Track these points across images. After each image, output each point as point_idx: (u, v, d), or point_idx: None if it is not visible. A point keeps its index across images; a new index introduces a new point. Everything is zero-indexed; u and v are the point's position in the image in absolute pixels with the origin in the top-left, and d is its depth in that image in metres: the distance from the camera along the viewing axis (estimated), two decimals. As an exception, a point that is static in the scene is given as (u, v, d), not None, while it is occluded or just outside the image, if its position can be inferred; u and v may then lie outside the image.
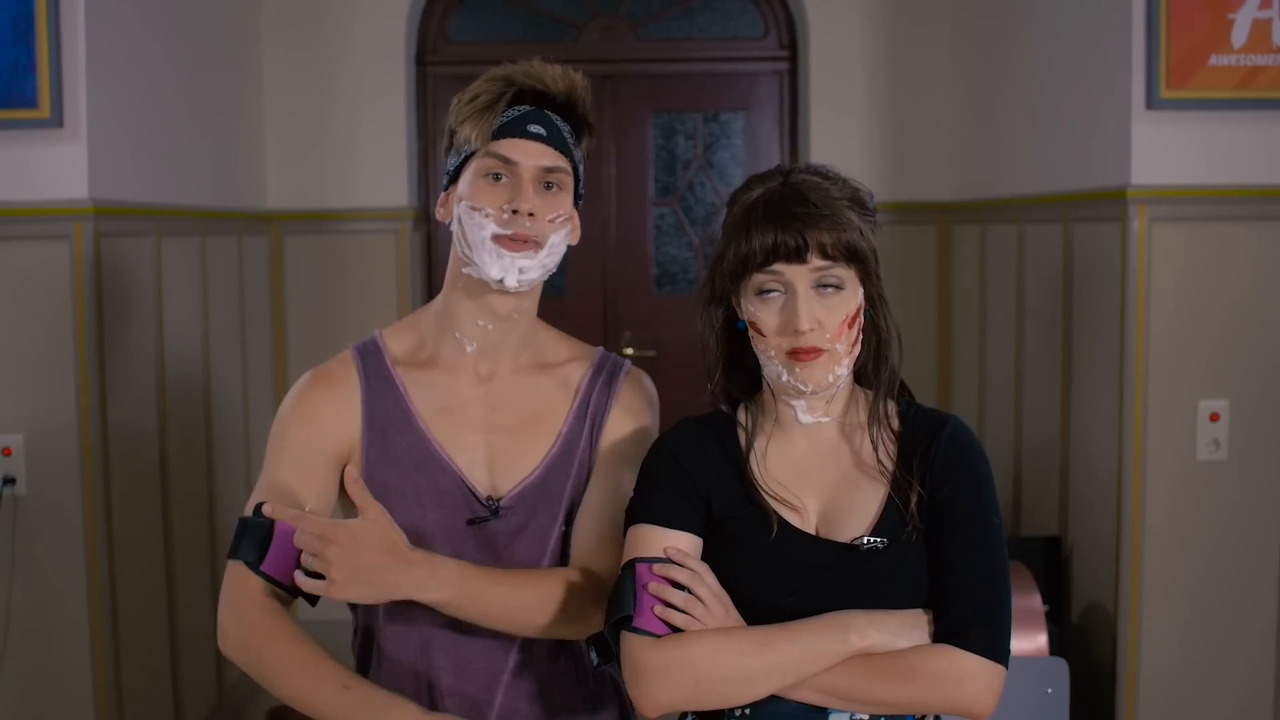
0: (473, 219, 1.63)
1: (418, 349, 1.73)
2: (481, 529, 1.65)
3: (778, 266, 1.52)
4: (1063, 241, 3.55)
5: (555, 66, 1.68)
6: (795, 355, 1.52)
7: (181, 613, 3.54)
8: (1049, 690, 2.26)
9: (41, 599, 3.02)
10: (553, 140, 1.65)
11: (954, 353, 4.63)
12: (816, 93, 4.64)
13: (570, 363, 1.76)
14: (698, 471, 1.57)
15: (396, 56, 4.57)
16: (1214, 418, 3.17)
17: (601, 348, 1.81)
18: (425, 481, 1.66)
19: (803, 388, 1.53)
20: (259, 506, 1.62)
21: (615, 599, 1.51)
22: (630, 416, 1.74)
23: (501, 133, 1.63)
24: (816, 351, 1.51)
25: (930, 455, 1.55)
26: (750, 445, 1.59)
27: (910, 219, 4.66)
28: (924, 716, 1.54)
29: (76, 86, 2.94)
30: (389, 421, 1.67)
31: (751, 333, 1.56)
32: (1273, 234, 3.17)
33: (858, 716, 1.50)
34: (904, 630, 1.48)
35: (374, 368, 1.71)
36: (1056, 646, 3.14)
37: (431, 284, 4.85)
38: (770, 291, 1.53)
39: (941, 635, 1.48)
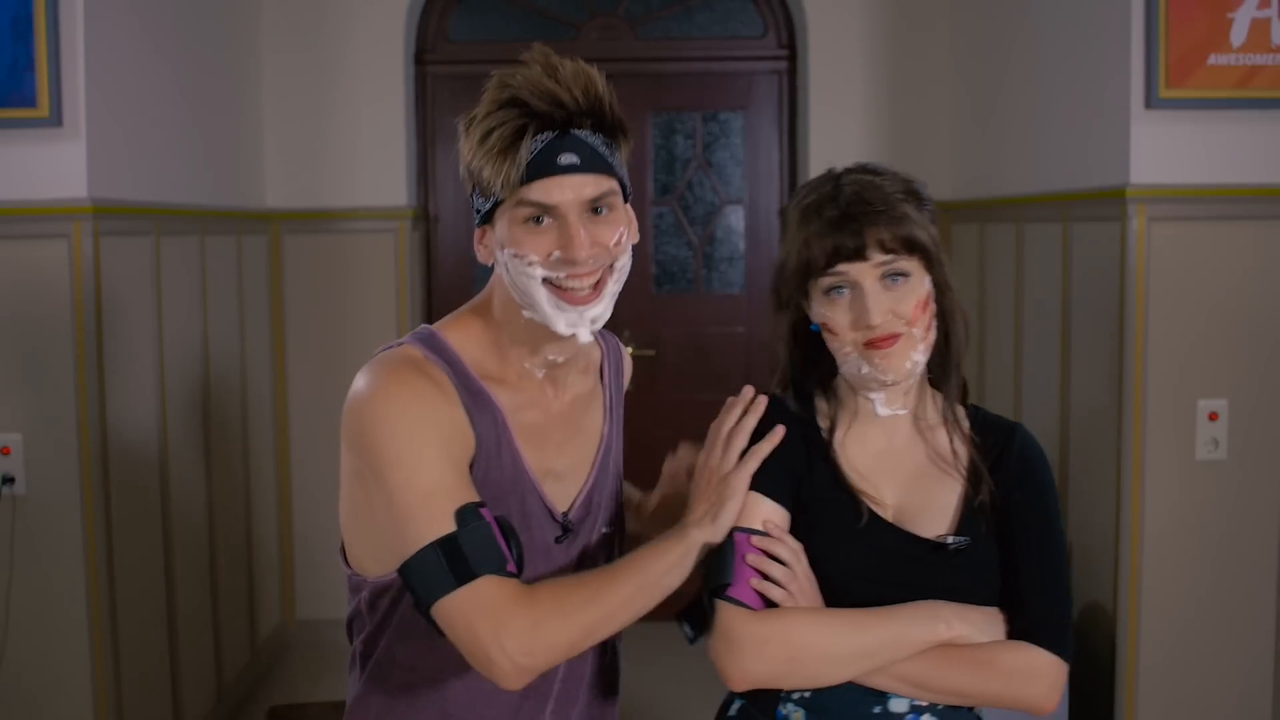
0: (519, 267, 1.46)
1: (482, 360, 1.54)
2: (558, 547, 1.59)
3: (841, 267, 1.53)
4: (1062, 241, 3.55)
5: (565, 66, 1.46)
6: (873, 345, 1.54)
7: (181, 612, 3.54)
8: (1048, 689, 2.26)
9: (40, 598, 3.02)
10: (588, 165, 1.45)
11: (953, 352, 4.62)
12: (816, 92, 4.64)
13: (591, 348, 1.70)
14: (788, 449, 1.59)
15: (395, 56, 4.57)
16: (1213, 417, 3.17)
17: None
18: (517, 505, 1.53)
19: (883, 378, 1.55)
20: (470, 508, 1.39)
21: (714, 566, 1.52)
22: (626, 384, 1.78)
23: (530, 174, 1.43)
24: (894, 337, 1.53)
25: (1004, 460, 1.60)
26: (833, 432, 1.61)
27: (909, 218, 4.65)
28: (975, 709, 1.60)
29: (75, 86, 2.94)
30: (492, 440, 1.50)
31: (825, 334, 1.58)
32: (1272, 233, 3.17)
33: (916, 703, 1.54)
34: (986, 625, 1.53)
35: (462, 378, 1.51)
36: (1055, 646, 3.14)
37: (431, 284, 4.85)
38: (838, 290, 1.54)
39: (1018, 633, 1.53)
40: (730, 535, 1.52)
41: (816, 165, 4.65)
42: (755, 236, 4.91)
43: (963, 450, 1.61)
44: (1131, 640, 3.20)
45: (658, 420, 4.73)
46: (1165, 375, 3.17)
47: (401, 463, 1.39)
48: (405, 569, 1.39)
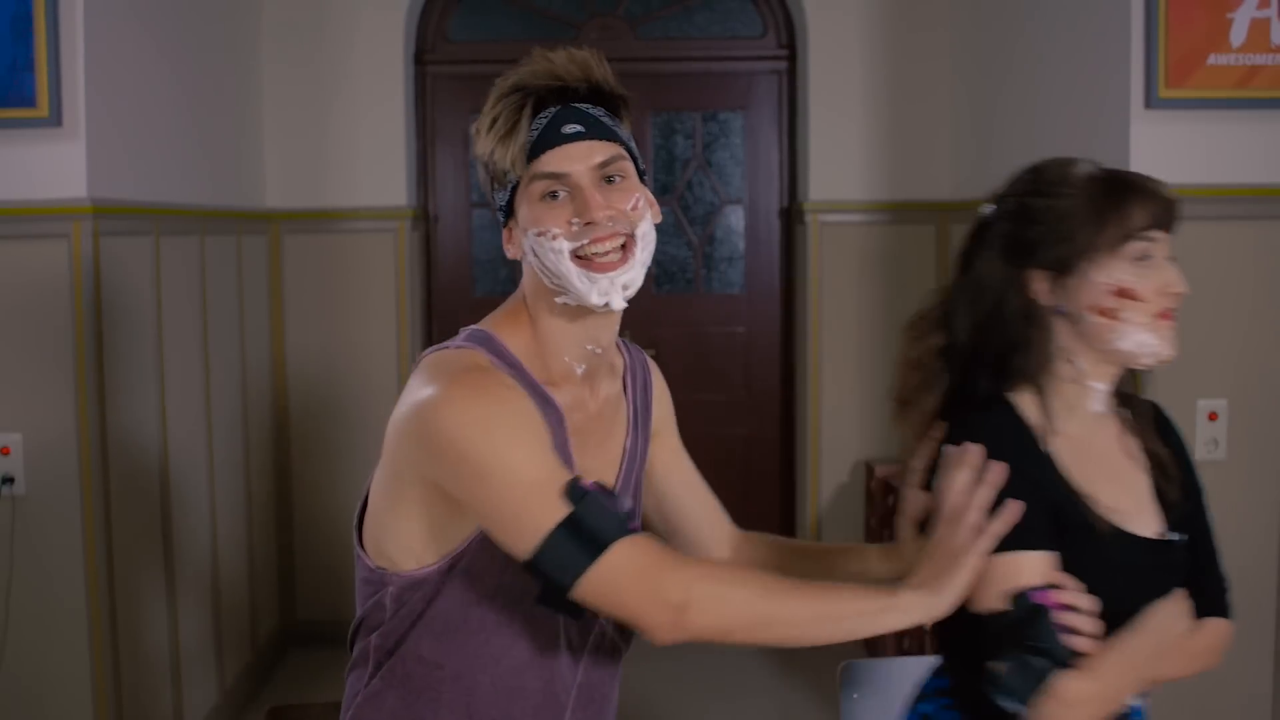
0: (544, 245, 1.48)
1: (533, 361, 1.56)
2: None
3: (1154, 233, 1.59)
4: (1062, 241, 3.55)
5: (559, 53, 1.52)
6: (1163, 316, 1.59)
7: (181, 612, 3.54)
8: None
9: (40, 598, 3.02)
10: (594, 132, 1.49)
11: (953, 352, 4.62)
12: (816, 92, 4.64)
13: (615, 357, 1.71)
14: (1033, 475, 1.55)
15: (395, 56, 4.57)
16: (1213, 417, 3.17)
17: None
18: None
19: (1164, 353, 1.61)
20: (575, 484, 1.39)
21: (1030, 635, 1.49)
22: (668, 398, 1.83)
23: (538, 148, 1.48)
24: (1172, 315, 1.61)
25: (1165, 440, 1.65)
26: (1047, 434, 1.59)
27: (909, 218, 4.66)
28: None
29: (75, 85, 2.94)
30: (558, 446, 1.50)
31: (1116, 302, 1.58)
32: (1272, 234, 3.17)
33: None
34: (1184, 612, 1.57)
35: (525, 379, 1.52)
36: (1055, 646, 3.14)
37: (431, 284, 4.85)
38: (1147, 256, 1.60)
39: (1207, 609, 1.60)
40: (1030, 598, 1.49)
41: (816, 165, 4.65)
42: (755, 236, 4.91)
43: (1136, 438, 1.63)
44: (1131, 640, 3.20)
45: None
46: (1165, 375, 3.16)
47: (501, 462, 1.39)
48: (536, 561, 1.38)
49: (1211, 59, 3.09)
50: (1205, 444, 3.18)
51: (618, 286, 1.49)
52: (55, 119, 2.91)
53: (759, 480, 4.92)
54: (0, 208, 2.96)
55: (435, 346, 1.56)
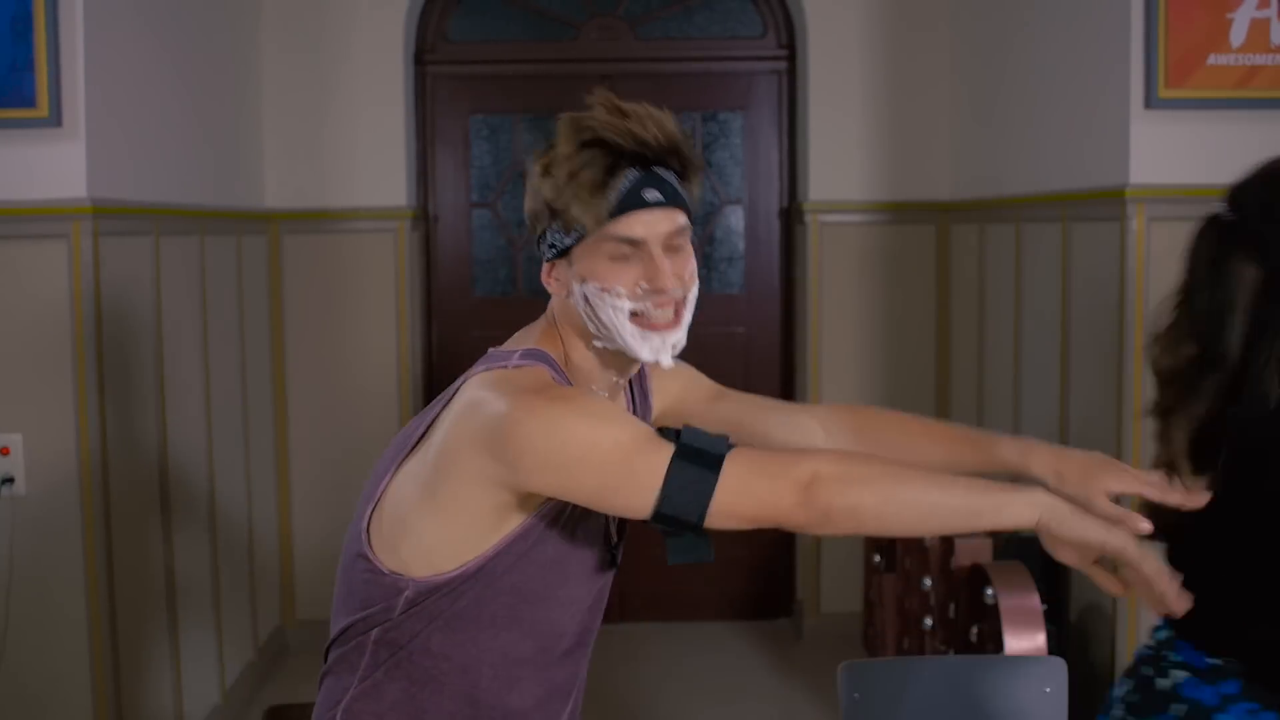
0: (605, 300, 1.55)
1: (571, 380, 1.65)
2: (602, 574, 1.68)
3: None
4: (1061, 241, 3.55)
5: (639, 111, 1.55)
6: None
7: (181, 612, 3.54)
8: (1047, 689, 2.26)
9: (40, 598, 3.02)
10: (670, 200, 1.56)
11: (953, 351, 4.63)
12: (815, 92, 4.64)
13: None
14: None
15: (395, 56, 4.57)
16: (1213, 417, 3.17)
17: None
18: (596, 521, 1.63)
19: None
20: (667, 430, 1.46)
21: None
22: (676, 378, 1.83)
23: (619, 210, 1.53)
24: None
25: None
26: None
27: (909, 218, 4.66)
28: None
29: (75, 86, 2.94)
30: None
31: None
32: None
33: None
34: None
35: None
36: (1055, 646, 3.14)
37: (431, 284, 4.85)
38: None
39: None
40: None
41: (816, 165, 4.65)
42: (755, 236, 4.91)
43: None
44: (1131, 640, 3.20)
45: (657, 420, 4.73)
46: (1165, 375, 3.17)
47: (594, 439, 1.45)
48: (661, 506, 1.43)
49: (1211, 59, 3.09)
50: (1205, 444, 3.18)
51: (668, 345, 1.57)
52: (55, 119, 2.91)
53: (759, 480, 4.91)
54: (0, 208, 2.96)
55: (487, 364, 1.60)
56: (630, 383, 1.77)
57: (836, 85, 4.63)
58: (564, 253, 1.58)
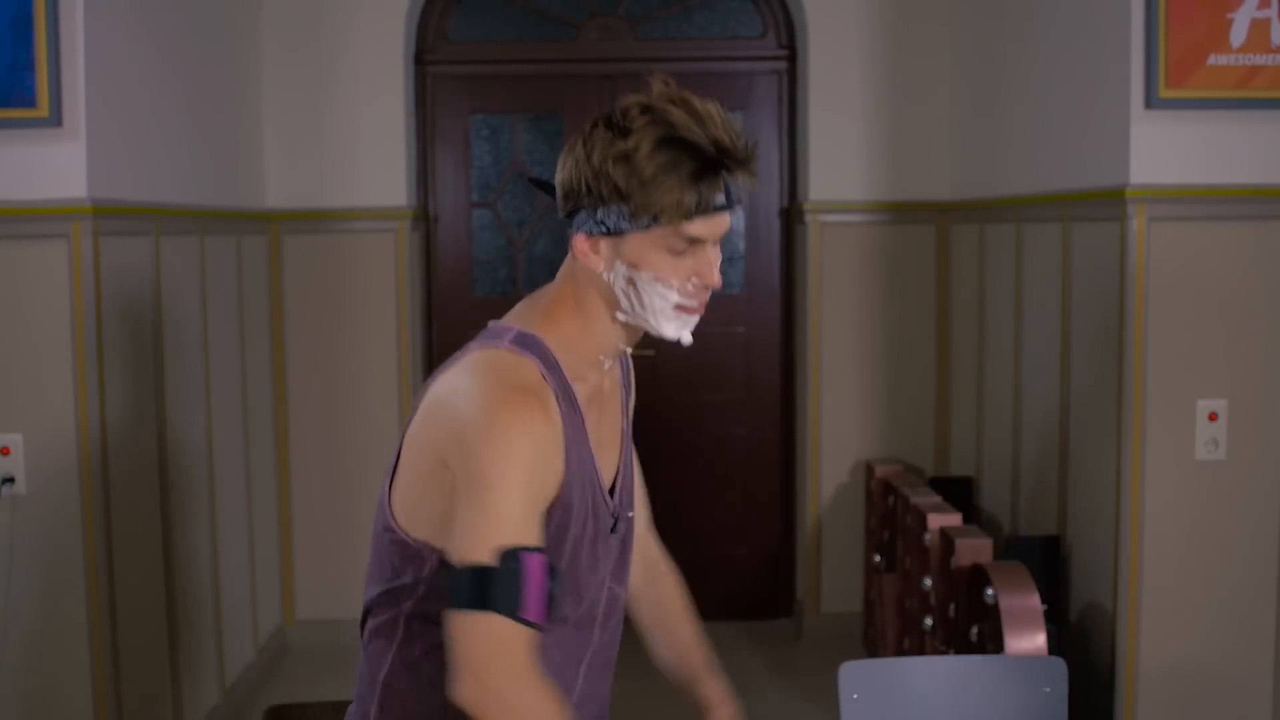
0: (654, 289, 1.62)
1: (565, 356, 1.66)
2: (613, 537, 1.72)
3: None
4: (1062, 241, 3.55)
5: (712, 112, 1.60)
6: None
7: (181, 612, 3.54)
8: (1047, 690, 2.26)
9: (41, 599, 3.02)
10: (733, 204, 1.66)
11: (953, 352, 4.63)
12: (816, 92, 4.64)
13: None
14: None
15: (395, 56, 4.57)
16: (1213, 417, 3.17)
17: None
18: (591, 499, 1.66)
19: None
20: (514, 553, 1.50)
21: None
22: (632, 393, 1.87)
23: (698, 212, 1.61)
24: None
25: None
26: None
27: (909, 219, 4.66)
28: None
29: (75, 86, 2.94)
30: (576, 443, 1.64)
31: None
32: (1272, 234, 3.17)
33: None
34: None
35: (559, 384, 1.63)
36: (1055, 646, 3.14)
37: (431, 284, 4.85)
38: None
39: None
40: None
41: (816, 165, 4.65)
42: (755, 236, 4.91)
43: None
44: (1131, 640, 3.20)
45: (657, 421, 4.73)
46: (1165, 375, 3.17)
47: (495, 486, 1.51)
48: (451, 570, 1.53)
49: (1211, 59, 3.09)
50: (1205, 444, 3.18)
51: (690, 324, 1.66)
52: (55, 119, 2.92)
53: (759, 480, 4.92)
54: (0, 208, 2.96)
55: (482, 341, 1.65)
56: (622, 373, 1.82)
57: (836, 85, 4.63)
58: (615, 233, 1.62)
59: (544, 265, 4.80)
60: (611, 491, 1.72)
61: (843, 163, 4.65)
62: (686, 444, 4.84)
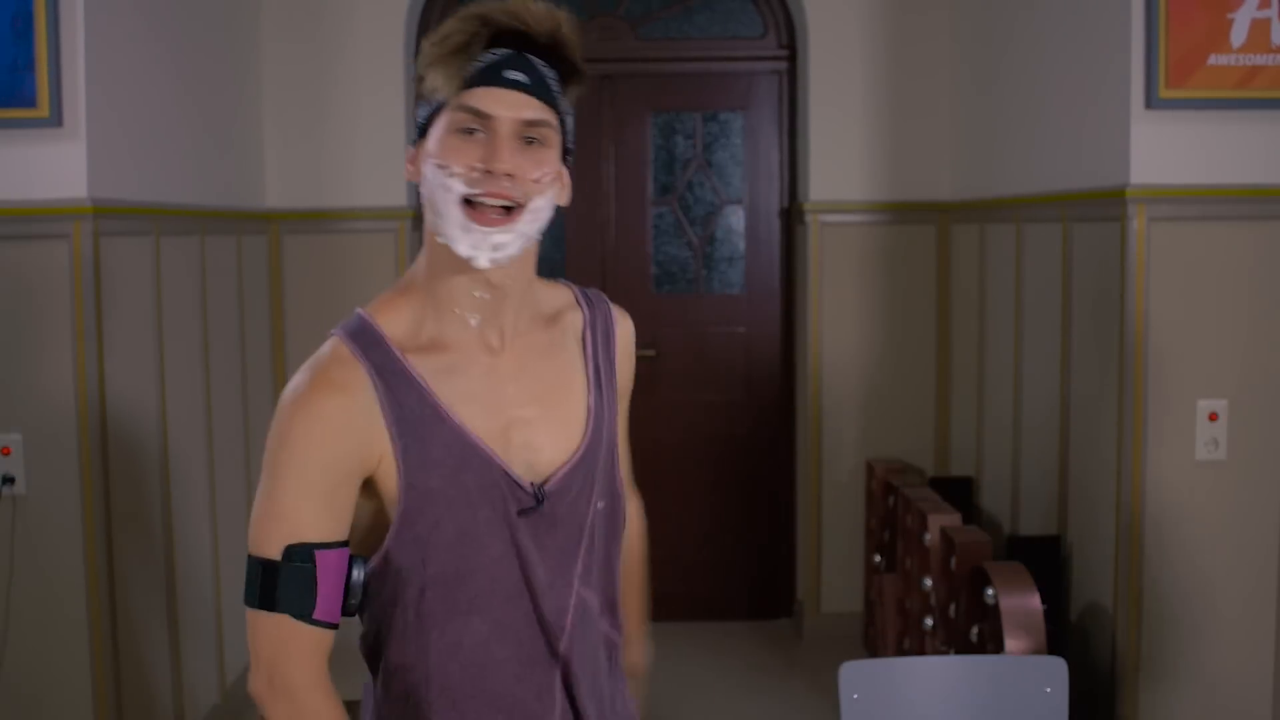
0: (439, 179, 1.45)
1: (416, 330, 1.51)
2: (525, 519, 1.51)
3: None
4: (1062, 241, 3.55)
5: (539, 4, 1.46)
6: None
7: (182, 612, 3.54)
8: (1048, 689, 2.26)
9: (41, 598, 3.02)
10: (535, 89, 1.45)
11: (953, 352, 4.63)
12: (816, 92, 4.65)
13: (566, 312, 1.65)
14: None
15: (395, 56, 4.58)
16: (1213, 417, 3.17)
17: (570, 284, 1.71)
18: (473, 480, 1.48)
19: None
20: (303, 550, 1.44)
21: None
22: (631, 360, 1.70)
23: (475, 81, 1.44)
24: None
25: None
26: None
27: (910, 219, 4.66)
28: None
29: (75, 86, 2.94)
30: (419, 422, 1.47)
31: None
32: (1272, 234, 3.17)
33: None
34: None
35: (382, 361, 1.47)
36: (1055, 646, 3.15)
37: (431, 283, 4.85)
38: None
39: None
40: None
41: (816, 165, 4.65)
42: (755, 236, 4.91)
43: None
44: (1131, 640, 3.20)
45: (658, 420, 4.74)
46: (1165, 375, 3.17)
47: (281, 477, 1.45)
48: (248, 559, 1.48)
49: (1212, 59, 3.09)
50: (1205, 444, 3.18)
51: (488, 244, 1.44)
52: (55, 119, 2.92)
53: (759, 480, 4.92)
54: (0, 208, 2.96)
55: (333, 330, 1.54)
56: (590, 343, 1.64)
57: (836, 85, 4.63)
58: (424, 132, 1.51)
59: (543, 265, 4.79)
60: (548, 477, 1.53)
61: (843, 163, 4.65)
62: (686, 444, 4.84)
